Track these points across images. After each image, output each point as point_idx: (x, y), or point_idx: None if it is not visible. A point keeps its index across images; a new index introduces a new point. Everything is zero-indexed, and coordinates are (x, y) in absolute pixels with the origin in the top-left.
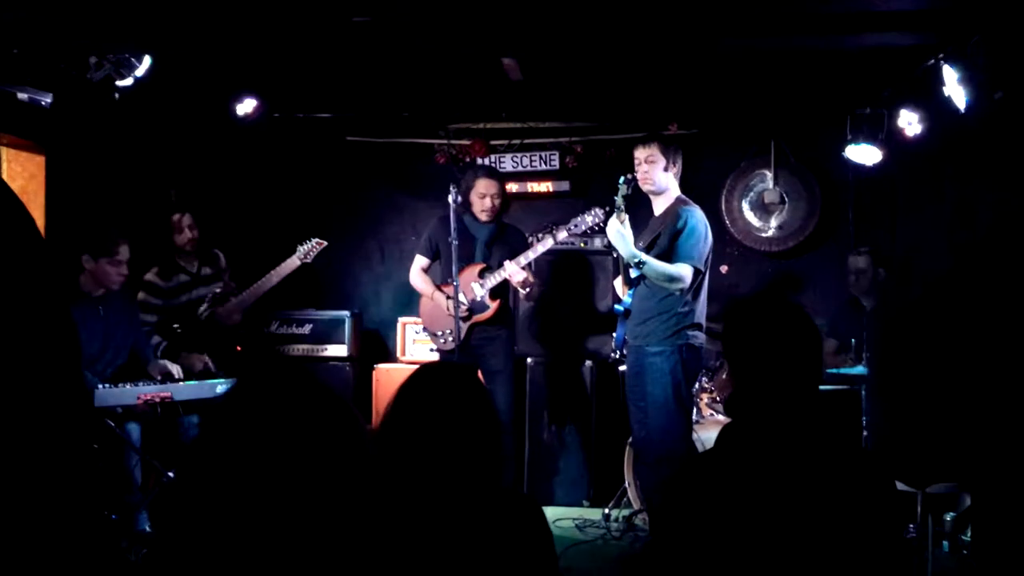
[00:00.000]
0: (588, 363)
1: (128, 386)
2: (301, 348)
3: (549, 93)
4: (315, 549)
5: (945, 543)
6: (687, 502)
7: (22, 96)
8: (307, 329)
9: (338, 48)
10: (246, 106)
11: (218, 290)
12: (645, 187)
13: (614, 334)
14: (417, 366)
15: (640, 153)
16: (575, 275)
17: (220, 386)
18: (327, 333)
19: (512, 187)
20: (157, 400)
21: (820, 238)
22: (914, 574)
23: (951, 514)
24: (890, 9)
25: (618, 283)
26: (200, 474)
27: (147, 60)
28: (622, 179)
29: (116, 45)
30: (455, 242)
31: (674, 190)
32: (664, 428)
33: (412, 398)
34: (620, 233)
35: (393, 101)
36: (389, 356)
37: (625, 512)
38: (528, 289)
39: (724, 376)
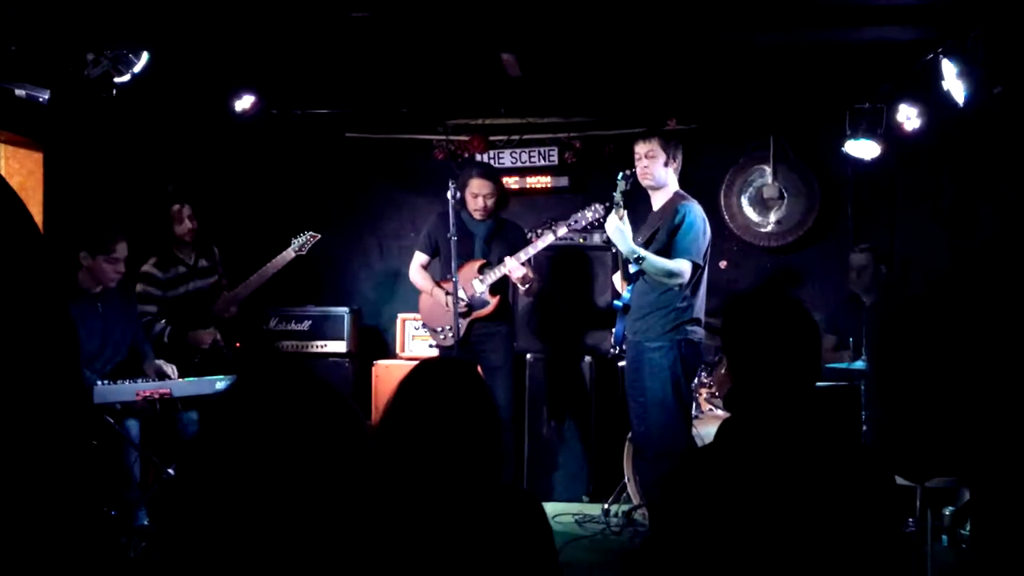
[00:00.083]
0: (587, 359)
1: (127, 383)
2: (300, 344)
3: (548, 89)
4: (316, 544)
5: (944, 537)
6: (686, 497)
7: (19, 93)
8: (306, 325)
9: (336, 44)
10: (244, 102)
11: (212, 280)
12: (645, 182)
13: (613, 330)
14: (417, 362)
15: (641, 148)
16: (574, 271)
17: (219, 382)
18: (326, 329)
19: (511, 183)
20: (156, 396)
21: (819, 233)
22: (913, 568)
23: (950, 508)
24: (889, 3)
25: (617, 278)
26: (201, 470)
27: (145, 56)
28: (621, 175)
29: (114, 41)
30: (454, 238)
31: (673, 185)
32: (663, 423)
33: (412, 394)
34: (619, 229)
35: (392, 97)
36: (388, 352)
37: (625, 507)
38: (528, 285)
39: (723, 371)
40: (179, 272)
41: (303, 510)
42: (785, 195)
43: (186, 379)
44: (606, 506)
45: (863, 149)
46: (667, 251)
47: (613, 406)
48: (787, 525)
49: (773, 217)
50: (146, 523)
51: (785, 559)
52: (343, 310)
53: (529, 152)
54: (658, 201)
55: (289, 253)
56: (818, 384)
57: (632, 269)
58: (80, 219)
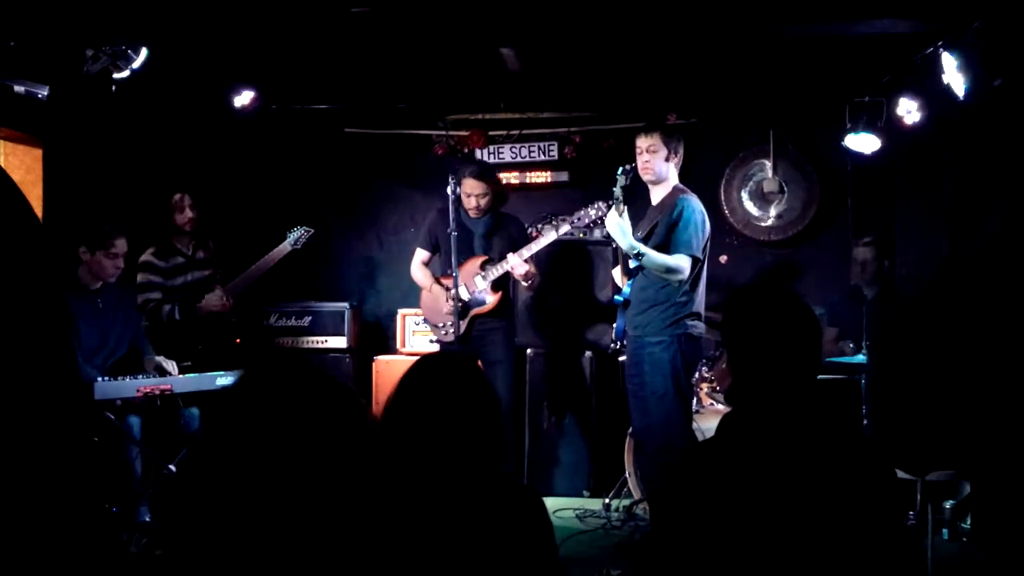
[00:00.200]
0: (588, 353)
1: (128, 379)
2: (301, 340)
3: (548, 83)
4: (322, 536)
5: (945, 530)
6: (687, 492)
7: (19, 89)
8: (307, 321)
9: (336, 39)
10: (243, 98)
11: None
12: (646, 177)
13: (614, 324)
14: (417, 357)
15: (642, 142)
16: (575, 266)
17: (220, 378)
18: (327, 325)
19: (511, 178)
20: (157, 393)
21: (819, 227)
22: (914, 561)
23: (951, 502)
24: None
25: (616, 273)
26: (210, 464)
27: (144, 52)
28: (620, 169)
29: (113, 37)
30: (454, 234)
31: (673, 180)
32: (664, 418)
33: (413, 388)
34: (619, 226)
35: (391, 92)
36: (389, 348)
37: (625, 502)
38: (530, 281)
39: (724, 366)
40: (178, 262)
41: (311, 503)
42: (785, 189)
43: (187, 375)
44: (607, 501)
45: (863, 143)
46: (666, 245)
47: (614, 401)
48: (788, 519)
49: (773, 211)
50: (148, 519)
51: (786, 554)
52: (343, 306)
53: (529, 147)
54: (657, 195)
55: (285, 247)
56: (819, 378)
57: (632, 264)
58: (79, 215)
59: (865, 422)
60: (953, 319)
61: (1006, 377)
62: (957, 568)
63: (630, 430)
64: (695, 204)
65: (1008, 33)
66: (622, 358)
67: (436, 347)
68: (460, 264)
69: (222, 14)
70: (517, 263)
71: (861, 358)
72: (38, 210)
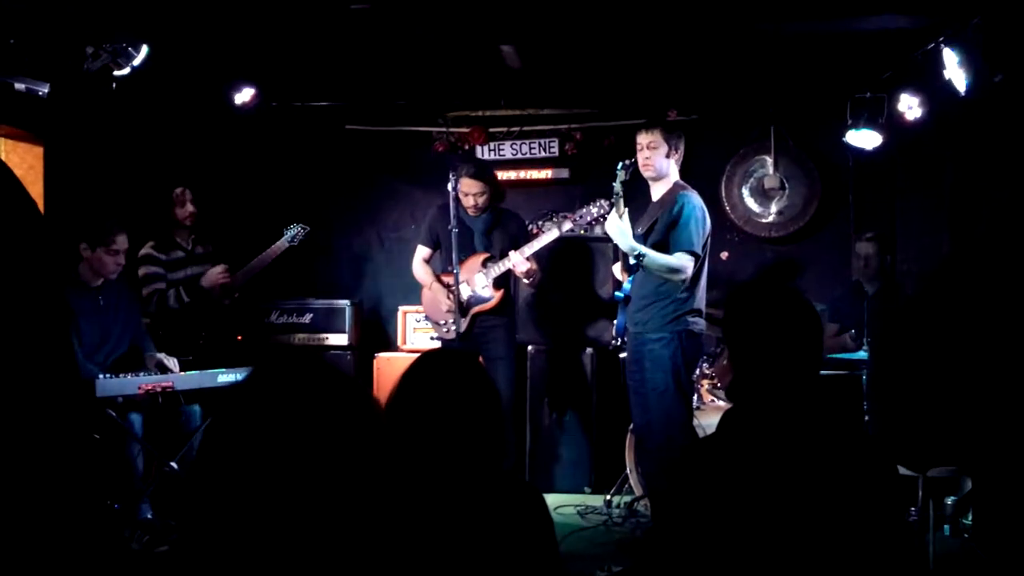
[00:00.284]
0: (589, 350)
1: (129, 376)
2: (302, 337)
3: (548, 80)
4: (333, 533)
5: (946, 527)
6: (689, 488)
7: (19, 86)
8: (307, 318)
9: (336, 36)
10: (244, 95)
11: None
12: (646, 173)
13: (615, 321)
14: (419, 354)
15: (643, 139)
16: (575, 262)
17: (221, 375)
18: (328, 322)
19: (512, 175)
20: (158, 390)
21: (820, 223)
22: (915, 558)
23: (952, 498)
24: None
25: (617, 269)
26: (221, 460)
27: (144, 50)
28: (620, 164)
29: (113, 35)
30: (455, 230)
31: (674, 176)
32: (665, 415)
33: (415, 385)
34: (619, 228)
35: (392, 89)
36: (390, 345)
37: (627, 498)
38: (532, 278)
39: (724, 362)
40: (178, 256)
41: (322, 499)
42: (786, 185)
43: (188, 372)
44: (608, 497)
45: (864, 139)
46: (665, 242)
47: (614, 397)
48: (790, 516)
49: (774, 207)
50: (149, 516)
51: (788, 550)
52: (344, 303)
53: (530, 144)
54: (658, 192)
55: (282, 244)
56: (820, 374)
57: (632, 260)
58: (80, 212)
59: (866, 418)
60: (954, 315)
61: (1007, 373)
62: (959, 564)
63: (631, 427)
64: (695, 201)
65: (1009, 28)
66: (623, 355)
67: (437, 344)
68: (462, 261)
69: (222, 11)
70: (519, 261)
71: (862, 354)
72: (39, 208)
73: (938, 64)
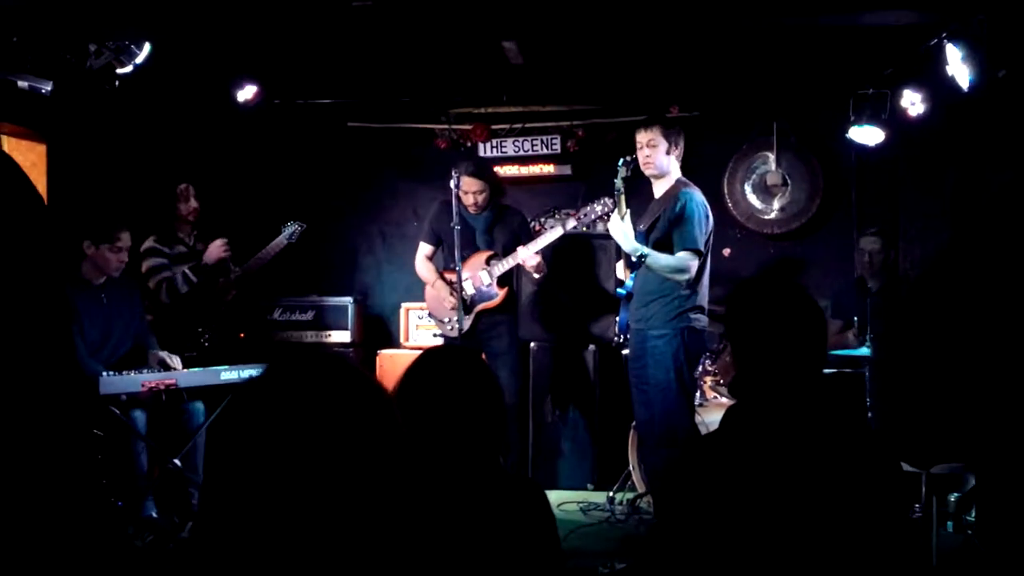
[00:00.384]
0: (591, 347)
1: (132, 373)
2: (305, 334)
3: (550, 77)
4: (347, 533)
5: (949, 523)
6: (691, 484)
7: (22, 84)
8: (310, 315)
9: (338, 33)
10: (246, 92)
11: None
12: (647, 171)
13: (617, 318)
14: (421, 351)
15: (642, 137)
16: (578, 259)
17: (224, 373)
18: (330, 319)
19: (514, 171)
20: (162, 387)
21: (823, 219)
22: (919, 554)
23: (955, 494)
24: None
25: (620, 266)
26: (234, 458)
27: (147, 47)
28: (621, 161)
29: (116, 32)
30: (457, 227)
31: (675, 173)
32: (667, 411)
33: (418, 381)
34: (622, 230)
35: (394, 86)
36: (393, 342)
37: (629, 495)
38: (541, 272)
39: (727, 358)
40: (180, 251)
41: (338, 499)
42: (788, 182)
43: (191, 369)
44: (611, 494)
45: (867, 135)
46: (668, 239)
47: (617, 394)
48: (793, 512)
49: (777, 204)
50: (153, 514)
51: (791, 547)
52: (347, 300)
53: (532, 140)
54: (660, 189)
55: (281, 241)
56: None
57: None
58: (83, 210)
59: (870, 415)
60: (958, 311)
61: (1011, 369)
62: (962, 560)
63: (634, 423)
64: (697, 197)
65: (1012, 24)
66: (626, 351)
67: (440, 341)
68: (465, 259)
69: (225, 9)
70: (528, 256)
71: (865, 351)
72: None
73: (941, 60)
